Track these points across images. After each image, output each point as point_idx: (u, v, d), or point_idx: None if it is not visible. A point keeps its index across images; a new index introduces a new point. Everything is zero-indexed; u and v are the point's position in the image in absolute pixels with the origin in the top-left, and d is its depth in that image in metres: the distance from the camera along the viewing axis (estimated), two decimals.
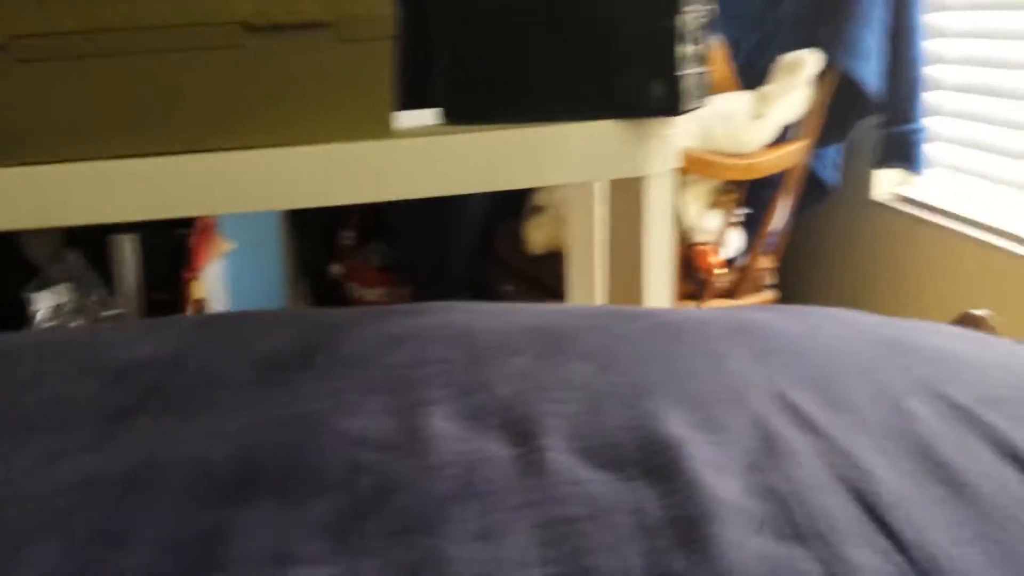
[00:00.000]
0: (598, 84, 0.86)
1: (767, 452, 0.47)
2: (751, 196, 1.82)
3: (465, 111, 0.96)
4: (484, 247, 2.12)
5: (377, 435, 0.50)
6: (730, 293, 1.76)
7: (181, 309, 2.01)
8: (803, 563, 0.39)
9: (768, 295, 1.83)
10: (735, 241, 1.80)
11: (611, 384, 0.53)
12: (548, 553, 0.40)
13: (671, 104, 0.84)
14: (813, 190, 1.93)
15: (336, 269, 2.36)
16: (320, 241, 2.39)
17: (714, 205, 1.78)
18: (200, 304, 2.03)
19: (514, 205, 1.96)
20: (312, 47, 0.86)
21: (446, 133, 0.86)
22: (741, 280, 1.77)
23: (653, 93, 0.84)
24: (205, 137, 0.86)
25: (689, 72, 0.85)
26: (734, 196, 1.75)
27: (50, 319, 2.12)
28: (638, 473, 0.45)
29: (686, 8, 0.83)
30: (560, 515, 0.42)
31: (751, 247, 1.79)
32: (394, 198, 0.89)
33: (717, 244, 1.74)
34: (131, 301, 2.12)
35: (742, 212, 1.82)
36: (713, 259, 1.69)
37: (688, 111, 0.85)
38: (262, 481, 0.47)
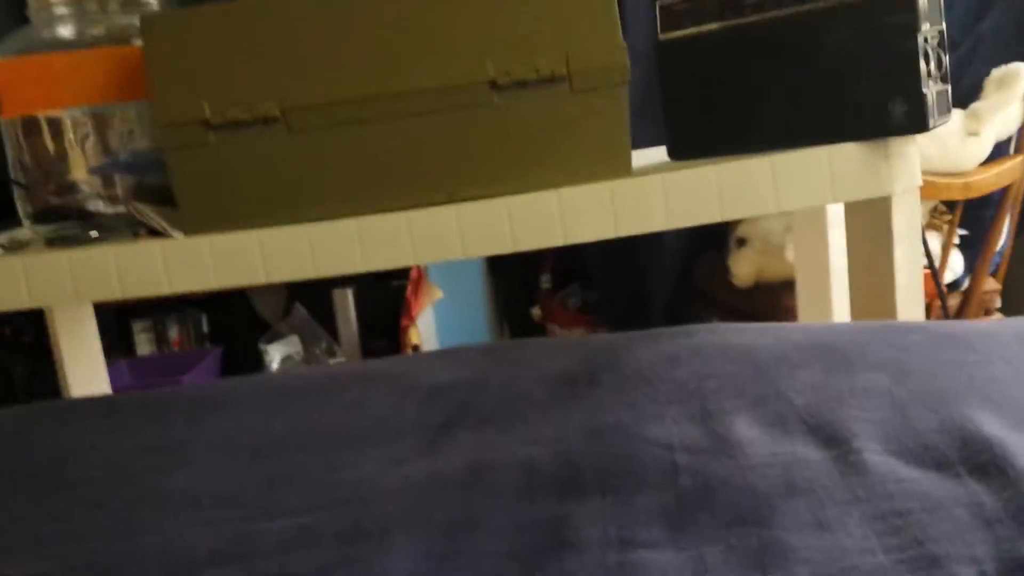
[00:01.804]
0: (837, 107, 0.87)
1: None
2: (968, 216, 1.75)
3: (690, 147, 0.99)
4: (684, 283, 2.14)
5: (686, 441, 0.54)
6: (955, 318, 1.69)
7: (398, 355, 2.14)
8: None
9: (996, 319, 1.73)
10: (956, 264, 1.73)
11: (911, 392, 0.54)
12: (889, 541, 0.42)
13: (915, 122, 0.84)
14: None
15: (536, 312, 2.45)
16: (519, 286, 2.48)
17: (930, 227, 1.72)
18: (416, 349, 2.15)
19: (714, 239, 1.96)
20: (552, 99, 0.92)
21: (682, 167, 0.90)
22: (965, 304, 1.69)
23: (896, 111, 0.85)
24: (459, 188, 0.93)
25: (932, 89, 0.85)
26: (950, 217, 1.68)
27: (282, 368, 2.32)
28: (964, 471, 0.46)
29: (926, 25, 0.84)
30: (892, 509, 0.44)
31: (974, 269, 1.71)
32: (635, 233, 0.93)
33: (938, 267, 1.67)
34: (352, 349, 2.28)
35: (960, 233, 1.75)
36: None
37: (933, 128, 0.85)
38: (586, 481, 0.52)
